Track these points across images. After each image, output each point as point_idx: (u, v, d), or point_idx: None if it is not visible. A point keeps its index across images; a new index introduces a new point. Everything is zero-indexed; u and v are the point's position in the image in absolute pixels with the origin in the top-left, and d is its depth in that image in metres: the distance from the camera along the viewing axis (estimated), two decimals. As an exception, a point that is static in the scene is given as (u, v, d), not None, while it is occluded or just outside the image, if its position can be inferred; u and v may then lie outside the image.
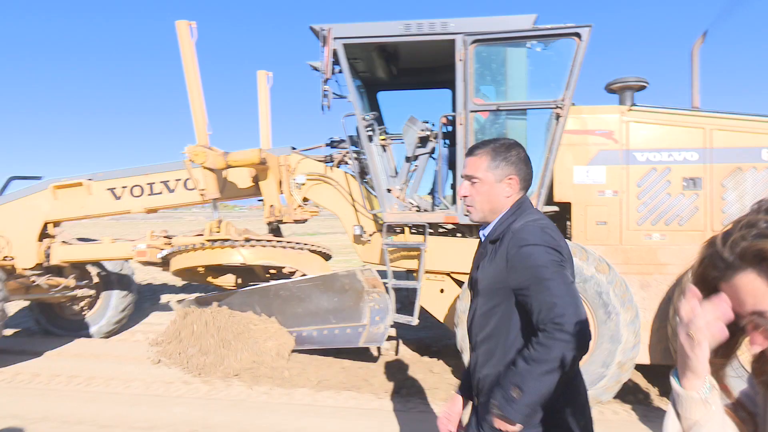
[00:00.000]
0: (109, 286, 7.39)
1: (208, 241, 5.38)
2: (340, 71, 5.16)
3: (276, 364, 5.20)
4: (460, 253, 5.13)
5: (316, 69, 5.37)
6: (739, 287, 0.90)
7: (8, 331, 7.56)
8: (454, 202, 5.29)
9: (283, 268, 5.59)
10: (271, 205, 5.68)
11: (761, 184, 4.83)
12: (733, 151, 4.90)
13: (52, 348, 6.72)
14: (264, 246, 5.43)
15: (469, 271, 2.15)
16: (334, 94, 5.18)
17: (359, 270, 5.03)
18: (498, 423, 1.75)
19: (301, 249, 5.62)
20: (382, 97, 6.82)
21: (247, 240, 5.36)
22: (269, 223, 5.89)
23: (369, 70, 6.17)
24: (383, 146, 5.90)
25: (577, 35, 4.84)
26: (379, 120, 6.65)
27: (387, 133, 6.04)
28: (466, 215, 1.51)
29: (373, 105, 6.76)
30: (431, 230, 5.38)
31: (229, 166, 5.35)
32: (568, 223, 5.20)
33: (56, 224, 6.58)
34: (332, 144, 6.02)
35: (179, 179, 6.08)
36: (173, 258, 5.77)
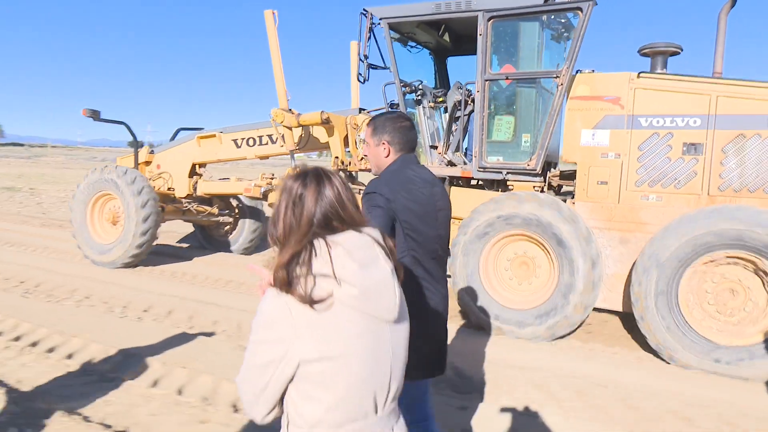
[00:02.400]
0: (244, 215, 9.55)
1: (287, 182, 6.96)
2: (378, 48, 6.22)
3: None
4: (468, 202, 5.97)
5: (372, 65, 6.43)
6: None
7: (177, 242, 10.27)
8: (466, 158, 6.13)
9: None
10: (336, 157, 7.05)
11: (764, 151, 4.88)
12: (737, 117, 4.98)
13: (202, 256, 9.10)
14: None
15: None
16: (372, 66, 6.26)
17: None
18: None
19: (359, 193, 6.93)
20: (452, 62, 7.67)
21: (313, 183, 6.82)
22: (338, 171, 7.29)
23: (428, 41, 7.07)
24: (433, 108, 6.86)
25: (579, 9, 5.26)
26: (446, 83, 7.54)
27: (438, 97, 6.92)
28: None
29: (443, 71, 7.65)
30: (465, 183, 6.28)
31: (300, 125, 6.81)
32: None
33: (201, 165, 8.76)
34: (392, 106, 7.11)
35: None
36: (269, 193, 7.51)
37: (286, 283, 1.36)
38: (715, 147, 5.04)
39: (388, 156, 2.45)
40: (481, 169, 5.92)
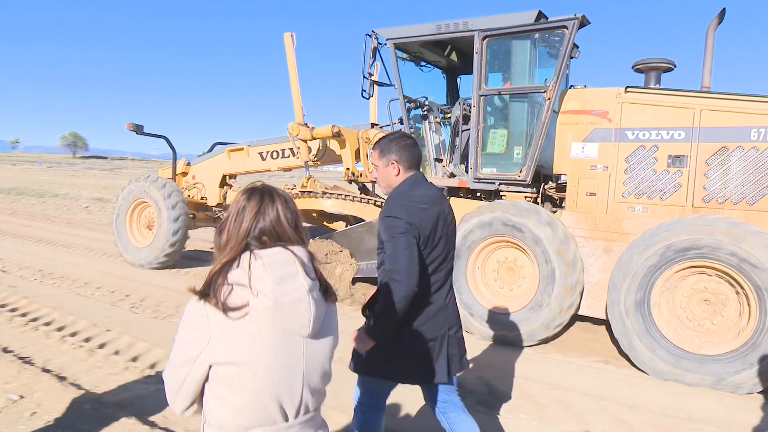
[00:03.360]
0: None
1: (300, 191, 7.45)
2: (384, 67, 6.64)
3: (338, 286, 7.05)
4: (459, 211, 6.22)
5: (377, 83, 6.87)
6: None
7: (205, 247, 10.93)
8: (467, 170, 6.40)
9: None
10: (347, 168, 7.47)
11: (746, 163, 4.94)
12: (720, 130, 5.06)
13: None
14: (337, 198, 7.29)
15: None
16: (377, 83, 6.67)
17: (375, 220, 6.56)
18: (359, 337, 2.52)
19: (368, 203, 7.32)
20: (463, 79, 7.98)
21: (323, 193, 7.28)
22: (350, 182, 7.71)
23: (437, 60, 7.44)
24: (439, 123, 7.19)
25: (565, 27, 5.51)
26: (457, 100, 7.86)
27: (446, 112, 7.25)
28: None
29: (454, 88, 7.98)
30: (466, 194, 6.55)
31: (313, 138, 7.28)
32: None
33: (232, 176, 9.40)
34: (401, 121, 7.49)
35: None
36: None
37: (205, 290, 1.47)
38: (699, 159, 5.13)
39: (398, 174, 2.58)
40: (476, 180, 6.19)
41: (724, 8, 5.48)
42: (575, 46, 6.71)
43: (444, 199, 2.62)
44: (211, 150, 10.02)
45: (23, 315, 5.83)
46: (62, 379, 4.11)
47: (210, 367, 1.46)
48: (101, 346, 5.03)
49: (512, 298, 5.68)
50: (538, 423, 3.86)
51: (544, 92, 5.64)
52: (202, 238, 11.63)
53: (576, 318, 5.88)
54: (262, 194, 1.57)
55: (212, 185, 9.30)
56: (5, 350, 4.70)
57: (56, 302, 6.33)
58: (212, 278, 1.48)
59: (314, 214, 8.27)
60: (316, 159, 8.00)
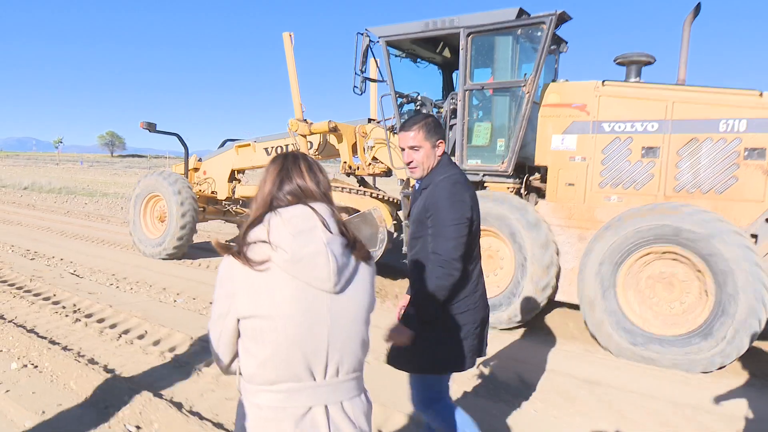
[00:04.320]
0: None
1: (299, 185, 7.78)
2: (377, 63, 6.91)
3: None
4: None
5: (369, 79, 7.15)
6: None
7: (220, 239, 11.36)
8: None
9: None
10: (344, 162, 7.78)
11: (715, 154, 5.09)
12: (691, 122, 5.22)
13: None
14: (334, 190, 7.60)
15: None
16: (369, 79, 6.95)
17: (371, 210, 6.85)
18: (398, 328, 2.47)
19: (363, 194, 7.61)
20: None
21: (322, 186, 7.59)
22: (347, 174, 8.01)
23: (431, 57, 7.69)
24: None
25: (543, 23, 5.71)
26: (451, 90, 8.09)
27: (440, 107, 7.48)
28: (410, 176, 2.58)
29: (449, 83, 8.21)
30: None
31: (312, 133, 7.61)
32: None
33: (240, 171, 9.80)
34: (400, 116, 7.75)
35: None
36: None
37: (234, 245, 1.54)
38: (671, 150, 5.29)
39: (440, 155, 2.57)
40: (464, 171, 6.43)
41: (699, 3, 5.60)
42: (563, 41, 6.90)
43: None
44: (222, 146, 10.46)
45: (112, 326, 5.44)
46: (178, 406, 3.71)
47: (238, 321, 1.52)
48: (208, 364, 4.47)
49: (495, 283, 5.91)
50: (569, 416, 3.84)
51: (523, 86, 5.85)
52: (216, 230, 12.10)
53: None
54: (285, 157, 1.64)
55: (222, 180, 9.72)
56: (107, 369, 4.33)
57: (142, 312, 5.94)
58: (240, 236, 1.55)
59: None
60: (317, 153, 8.33)
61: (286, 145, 8.74)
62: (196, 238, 10.61)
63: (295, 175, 1.59)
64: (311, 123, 7.63)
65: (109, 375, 4.16)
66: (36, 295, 6.50)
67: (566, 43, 6.95)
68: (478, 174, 6.34)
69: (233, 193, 9.68)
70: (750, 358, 4.95)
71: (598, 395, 4.22)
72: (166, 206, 8.87)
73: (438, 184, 2.46)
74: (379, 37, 6.91)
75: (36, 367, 4.31)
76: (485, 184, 6.43)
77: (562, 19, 6.01)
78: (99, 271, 7.95)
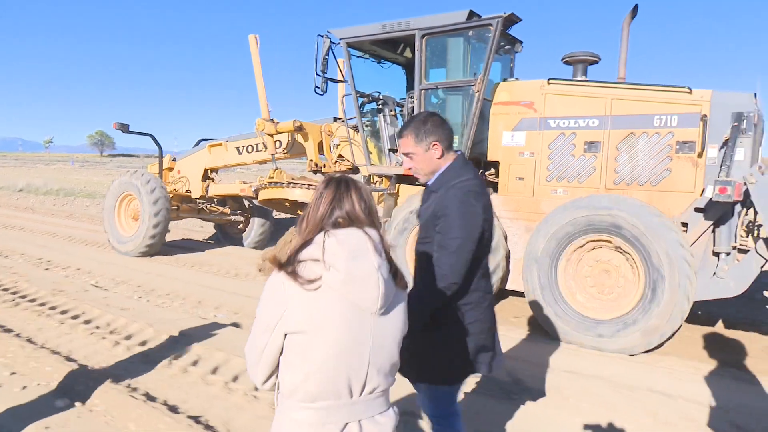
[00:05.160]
0: (254, 214, 10.72)
1: (267, 182, 8.03)
2: (337, 64, 7.15)
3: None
4: (405, 196, 6.73)
5: (330, 79, 7.36)
6: None
7: (198, 236, 11.57)
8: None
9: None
10: (310, 159, 8.02)
11: (650, 147, 5.38)
12: (628, 118, 5.51)
13: (214, 248, 10.32)
14: (301, 188, 7.85)
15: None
16: (330, 79, 7.18)
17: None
18: None
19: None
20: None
21: (288, 183, 7.84)
22: (314, 172, 8.26)
23: (394, 58, 7.93)
24: (395, 116, 7.69)
25: (490, 25, 5.98)
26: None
27: (402, 106, 7.72)
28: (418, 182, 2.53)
29: (412, 82, 8.44)
30: (416, 182, 7.05)
31: (278, 132, 7.84)
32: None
33: (213, 170, 10.01)
34: (363, 115, 7.99)
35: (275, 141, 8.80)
36: (260, 192, 8.57)
37: (287, 263, 1.60)
38: (611, 145, 5.58)
39: (441, 156, 2.41)
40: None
41: (637, 5, 5.89)
42: (518, 41, 7.17)
43: (485, 184, 2.49)
44: (197, 145, 10.66)
45: (159, 351, 4.78)
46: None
47: (285, 336, 1.57)
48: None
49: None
50: (566, 412, 3.83)
51: (473, 86, 6.12)
52: (190, 228, 12.28)
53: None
54: (338, 183, 1.69)
55: (195, 179, 9.92)
56: (168, 405, 3.74)
57: (185, 331, 5.28)
58: (292, 254, 1.61)
59: (287, 203, 8.83)
60: (286, 151, 8.56)
61: (257, 144, 8.97)
62: (172, 236, 10.84)
63: (345, 201, 1.65)
64: (277, 122, 7.86)
65: (174, 414, 3.62)
66: (63, 312, 5.85)
67: (521, 43, 7.21)
68: (434, 170, 6.59)
69: (207, 191, 9.89)
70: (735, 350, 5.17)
71: (595, 390, 4.24)
72: (140, 205, 9.06)
73: (449, 191, 2.32)
74: (340, 39, 7.14)
75: (84, 404, 3.70)
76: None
77: (512, 20, 6.27)
78: (122, 282, 7.36)
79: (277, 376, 1.64)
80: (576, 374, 4.54)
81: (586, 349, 5.11)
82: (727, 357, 5.04)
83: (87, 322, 5.58)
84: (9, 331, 5.19)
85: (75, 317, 5.72)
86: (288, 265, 1.59)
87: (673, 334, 4.90)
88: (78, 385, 3.97)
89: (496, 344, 2.53)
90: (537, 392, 4.13)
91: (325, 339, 1.54)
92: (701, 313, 6.34)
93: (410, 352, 2.07)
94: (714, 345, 5.34)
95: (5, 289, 6.73)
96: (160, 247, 9.25)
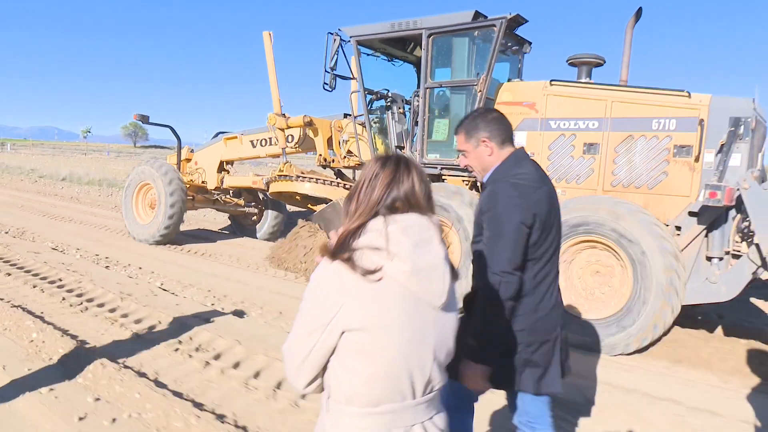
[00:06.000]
0: (268, 207, 10.95)
1: (277, 175, 8.23)
2: (347, 61, 7.31)
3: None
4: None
5: (339, 76, 7.52)
6: None
7: (213, 227, 11.86)
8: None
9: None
10: (320, 154, 8.19)
11: (648, 151, 5.41)
12: (627, 120, 5.54)
13: (225, 239, 10.59)
14: (310, 181, 8.02)
15: None
16: (340, 76, 7.34)
17: (338, 200, 7.26)
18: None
19: (338, 185, 8.02)
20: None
21: (297, 176, 8.02)
22: (323, 167, 8.43)
23: (404, 56, 8.05)
24: (403, 113, 7.81)
25: (494, 25, 6.05)
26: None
27: (408, 104, 7.83)
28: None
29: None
30: None
31: (288, 127, 8.03)
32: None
33: (228, 162, 10.26)
34: (371, 112, 8.13)
35: (286, 135, 9.00)
36: (271, 185, 8.77)
37: (341, 250, 1.41)
38: (609, 147, 5.61)
39: (492, 154, 2.32)
40: (423, 165, 6.81)
41: (641, 7, 5.89)
42: (526, 42, 7.22)
43: (548, 180, 2.35)
44: (214, 138, 10.94)
45: (256, 376, 4.23)
46: None
47: (341, 334, 1.39)
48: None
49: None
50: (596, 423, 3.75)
51: (475, 85, 6.21)
52: (207, 219, 12.58)
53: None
54: (397, 163, 1.52)
55: (211, 170, 10.19)
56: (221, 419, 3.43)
57: (274, 350, 4.70)
58: (344, 241, 1.42)
59: (297, 197, 9.01)
60: (297, 146, 8.76)
61: (270, 138, 9.17)
62: (188, 226, 11.14)
63: (405, 182, 1.49)
64: (288, 117, 8.05)
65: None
66: (137, 322, 5.31)
67: (530, 43, 7.26)
68: (436, 168, 6.71)
69: (222, 183, 10.15)
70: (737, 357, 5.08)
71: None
72: (157, 194, 9.35)
73: (496, 184, 2.25)
74: (350, 37, 7.29)
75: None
76: (443, 177, 6.80)
77: (517, 21, 6.34)
78: (190, 286, 6.83)
79: (322, 379, 1.48)
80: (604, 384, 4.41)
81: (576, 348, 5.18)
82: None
83: (163, 332, 5.00)
84: (83, 342, 4.65)
85: (152, 328, 5.12)
86: (344, 253, 1.40)
87: (659, 338, 4.93)
88: (174, 419, 3.36)
89: (552, 363, 2.32)
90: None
91: (391, 337, 1.39)
92: (741, 326, 6.13)
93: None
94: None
95: (69, 290, 6.26)
96: (176, 235, 9.53)
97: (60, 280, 6.72)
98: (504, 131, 2.32)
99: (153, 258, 8.43)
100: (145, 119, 10.04)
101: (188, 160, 10.60)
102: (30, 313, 5.25)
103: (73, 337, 4.76)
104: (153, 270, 7.61)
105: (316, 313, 1.41)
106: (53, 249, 8.65)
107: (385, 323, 1.38)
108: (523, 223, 2.15)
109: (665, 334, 5.12)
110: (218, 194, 10.35)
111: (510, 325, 2.22)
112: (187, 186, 9.75)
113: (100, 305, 5.80)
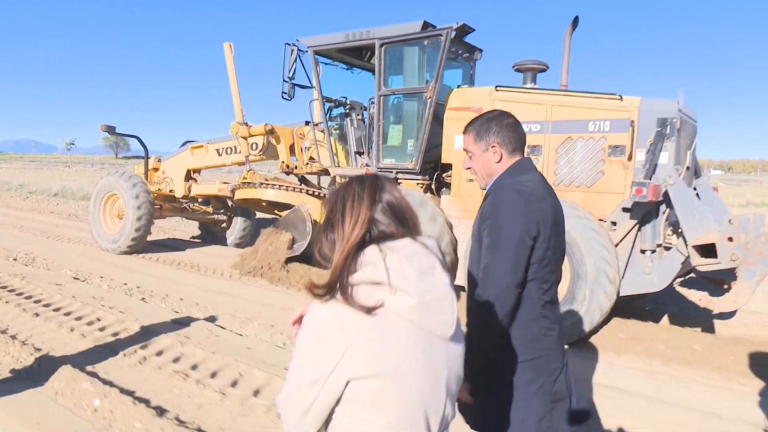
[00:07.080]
0: (237, 214, 11.11)
1: (241, 183, 8.43)
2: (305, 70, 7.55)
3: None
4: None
5: (297, 85, 7.75)
6: None
7: (179, 234, 11.97)
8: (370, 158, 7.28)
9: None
10: (282, 161, 8.41)
11: (585, 151, 5.73)
12: (566, 123, 5.86)
13: (196, 248, 10.71)
14: (273, 188, 8.23)
15: None
16: (298, 85, 7.58)
17: (300, 206, 7.48)
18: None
19: (300, 191, 8.22)
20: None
21: (261, 183, 8.23)
22: (287, 174, 8.64)
23: (362, 65, 8.31)
24: (362, 120, 8.06)
25: (440, 35, 6.34)
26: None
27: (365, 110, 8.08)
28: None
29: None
30: None
31: (251, 135, 8.24)
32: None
33: (196, 171, 10.41)
34: (331, 119, 8.37)
35: (250, 143, 9.19)
36: (236, 192, 8.95)
37: (336, 288, 1.26)
38: (551, 148, 5.92)
39: (500, 161, 2.14)
40: (378, 170, 7.07)
41: (577, 16, 6.23)
42: (477, 49, 7.54)
43: (552, 193, 2.15)
44: (182, 147, 11.07)
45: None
46: None
47: (346, 384, 1.25)
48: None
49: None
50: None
51: (425, 92, 6.49)
52: (176, 228, 12.66)
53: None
54: (373, 181, 1.40)
55: (179, 179, 10.32)
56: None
57: (270, 367, 4.52)
58: (338, 276, 1.28)
59: (263, 203, 9.20)
60: (261, 153, 8.96)
61: (235, 146, 9.36)
62: (155, 236, 11.24)
63: (390, 204, 1.37)
64: (250, 126, 8.25)
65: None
66: (213, 375, 4.39)
67: (480, 51, 7.58)
68: (392, 172, 6.97)
69: (189, 191, 10.29)
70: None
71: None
72: (124, 204, 9.46)
73: (499, 190, 2.07)
74: (307, 47, 7.54)
75: None
76: (399, 181, 7.06)
77: (464, 30, 6.65)
78: (250, 320, 5.99)
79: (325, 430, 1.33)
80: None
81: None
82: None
83: (256, 393, 4.07)
84: (161, 410, 3.71)
85: (234, 384, 4.23)
86: (341, 292, 1.25)
87: (594, 330, 5.23)
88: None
89: (569, 388, 2.11)
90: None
91: (404, 380, 1.25)
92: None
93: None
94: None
95: (117, 336, 5.14)
96: (143, 244, 9.64)
97: (98, 320, 5.62)
98: (517, 140, 2.14)
99: (193, 287, 7.41)
100: (111, 130, 10.15)
101: (156, 169, 10.72)
102: (82, 369, 4.23)
103: (147, 403, 3.78)
104: (197, 302, 6.63)
105: (315, 363, 1.26)
106: (75, 279, 7.63)
107: (395, 366, 1.25)
108: (527, 234, 1.95)
109: (605, 323, 5.42)
110: (186, 202, 10.49)
111: (528, 353, 2.00)
112: (155, 195, 9.87)
113: (158, 353, 4.77)
